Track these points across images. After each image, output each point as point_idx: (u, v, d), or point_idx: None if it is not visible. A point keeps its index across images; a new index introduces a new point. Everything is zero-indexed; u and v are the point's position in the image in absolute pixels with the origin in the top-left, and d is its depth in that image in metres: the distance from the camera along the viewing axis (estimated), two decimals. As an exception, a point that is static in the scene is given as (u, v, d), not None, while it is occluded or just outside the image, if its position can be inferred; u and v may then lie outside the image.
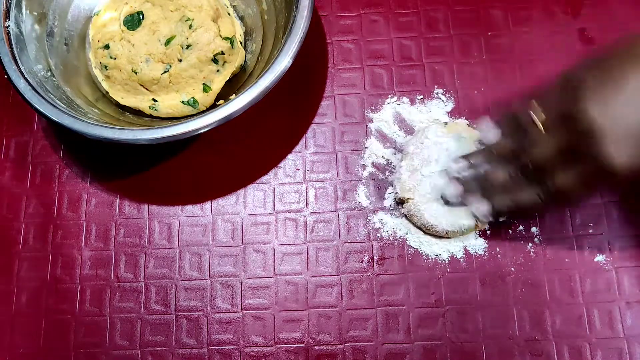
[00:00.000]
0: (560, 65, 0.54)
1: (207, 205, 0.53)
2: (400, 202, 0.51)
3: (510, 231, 0.50)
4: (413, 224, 0.51)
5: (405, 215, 0.51)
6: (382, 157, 0.53)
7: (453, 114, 0.54)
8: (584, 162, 0.37)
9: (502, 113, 0.46)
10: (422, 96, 0.55)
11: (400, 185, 0.50)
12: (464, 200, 0.47)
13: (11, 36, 0.49)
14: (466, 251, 0.50)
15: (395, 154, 0.53)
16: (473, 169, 0.47)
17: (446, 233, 0.49)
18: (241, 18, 0.56)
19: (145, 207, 0.53)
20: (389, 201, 0.52)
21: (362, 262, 0.50)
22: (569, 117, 0.37)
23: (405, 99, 0.55)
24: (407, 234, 0.51)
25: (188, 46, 0.50)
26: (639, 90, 0.35)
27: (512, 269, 0.49)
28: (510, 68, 0.55)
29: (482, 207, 0.46)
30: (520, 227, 0.50)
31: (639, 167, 0.36)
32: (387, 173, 0.53)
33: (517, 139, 0.43)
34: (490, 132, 0.46)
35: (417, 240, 0.50)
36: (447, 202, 0.49)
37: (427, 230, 0.50)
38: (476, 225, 0.49)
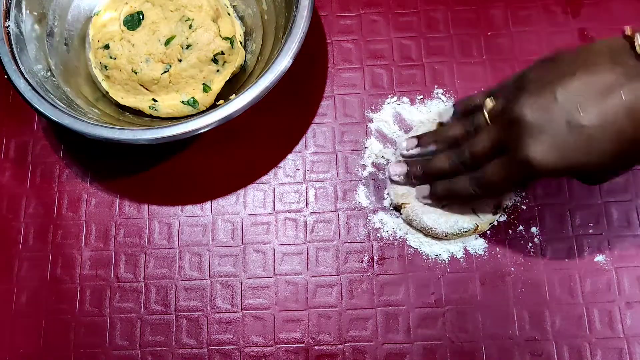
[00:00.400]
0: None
1: (207, 205, 0.53)
2: (396, 208, 0.51)
3: (510, 231, 0.50)
4: (412, 227, 0.51)
5: (404, 220, 0.51)
6: (382, 157, 0.53)
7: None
8: (508, 155, 0.40)
9: (462, 99, 0.48)
10: (422, 96, 0.55)
11: (393, 192, 0.50)
12: (406, 181, 0.49)
13: (11, 36, 0.49)
14: (466, 251, 0.50)
15: (394, 154, 0.53)
16: (421, 148, 0.49)
17: (445, 235, 0.49)
18: (241, 18, 0.56)
19: (145, 207, 0.53)
20: (388, 201, 0.52)
21: (362, 262, 0.50)
22: (507, 109, 0.40)
23: (405, 99, 0.55)
24: (407, 234, 0.51)
25: (188, 46, 0.50)
26: (567, 99, 0.37)
27: (512, 269, 0.49)
28: (510, 68, 0.55)
29: (422, 190, 0.48)
30: (520, 227, 0.50)
31: (554, 169, 0.38)
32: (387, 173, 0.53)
33: (465, 124, 0.45)
34: (447, 113, 0.49)
35: (417, 240, 0.50)
36: (392, 181, 0.50)
37: (427, 233, 0.50)
38: (476, 228, 0.49)
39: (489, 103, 0.43)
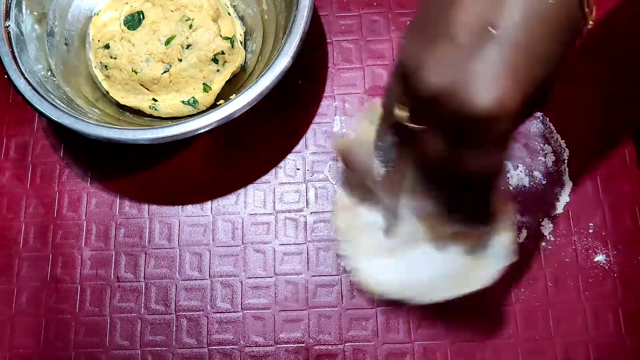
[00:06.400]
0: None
1: (207, 205, 0.53)
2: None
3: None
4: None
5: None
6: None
7: (453, 114, 0.54)
8: (459, 129, 0.30)
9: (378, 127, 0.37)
10: (422, 96, 0.55)
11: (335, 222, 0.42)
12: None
13: (11, 36, 0.49)
14: (466, 251, 0.50)
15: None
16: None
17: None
18: (241, 18, 0.56)
19: (146, 207, 0.53)
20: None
21: (362, 262, 0.50)
22: (419, 94, 0.31)
23: (405, 99, 0.55)
24: (407, 233, 0.51)
25: (188, 46, 0.50)
26: (466, 25, 0.29)
27: (512, 268, 0.49)
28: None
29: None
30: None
31: (513, 100, 0.29)
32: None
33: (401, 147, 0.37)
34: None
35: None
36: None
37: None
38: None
39: (401, 113, 0.33)
